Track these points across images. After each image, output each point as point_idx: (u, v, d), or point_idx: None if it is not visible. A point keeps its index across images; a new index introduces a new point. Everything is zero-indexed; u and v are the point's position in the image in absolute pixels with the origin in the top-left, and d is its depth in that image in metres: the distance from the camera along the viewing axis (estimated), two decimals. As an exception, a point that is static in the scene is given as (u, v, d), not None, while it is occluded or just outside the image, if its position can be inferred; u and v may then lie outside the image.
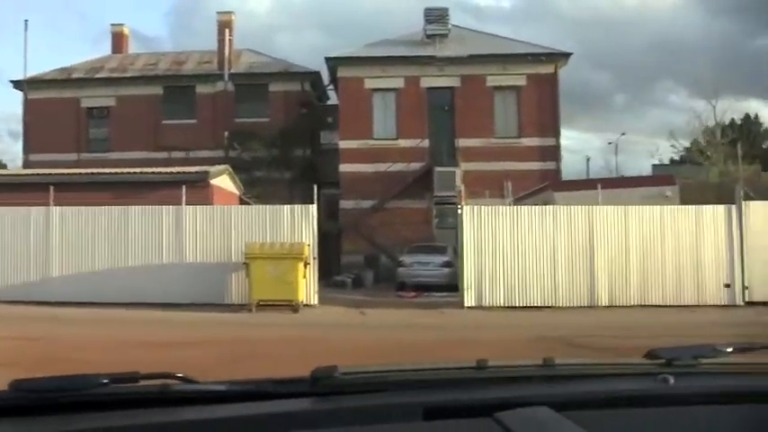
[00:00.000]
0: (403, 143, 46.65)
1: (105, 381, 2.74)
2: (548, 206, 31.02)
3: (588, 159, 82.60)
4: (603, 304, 29.57)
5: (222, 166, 36.34)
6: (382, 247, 44.68)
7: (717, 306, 29.13)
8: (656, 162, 67.99)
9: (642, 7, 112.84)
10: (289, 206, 30.72)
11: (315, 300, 29.86)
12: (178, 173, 33.03)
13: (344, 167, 46.65)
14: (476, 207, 30.62)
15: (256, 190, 45.81)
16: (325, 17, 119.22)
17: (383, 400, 2.76)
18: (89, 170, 35.39)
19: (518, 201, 36.83)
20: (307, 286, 29.37)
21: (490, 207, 31.23)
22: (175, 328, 23.34)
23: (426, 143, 46.73)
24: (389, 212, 45.69)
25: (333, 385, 2.84)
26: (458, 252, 32.78)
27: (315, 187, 31.13)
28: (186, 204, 30.23)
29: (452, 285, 34.39)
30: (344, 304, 30.96)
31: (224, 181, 35.61)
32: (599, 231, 29.92)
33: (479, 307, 29.44)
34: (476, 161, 45.20)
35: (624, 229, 29.96)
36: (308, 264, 29.04)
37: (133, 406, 2.73)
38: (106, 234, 30.69)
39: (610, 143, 77.36)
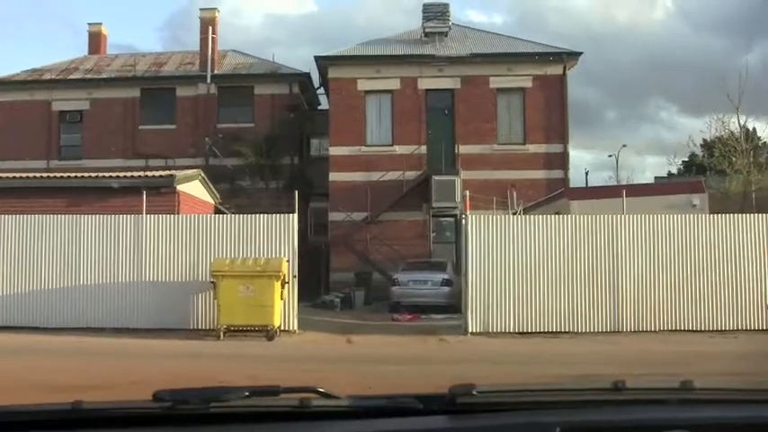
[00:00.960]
0: (398, 150, 42.13)
1: (246, 393, 2.81)
2: (565, 215, 26.32)
3: (587, 172, 78.30)
4: (629, 329, 25.05)
5: (192, 171, 31.67)
6: (375, 263, 40.33)
7: (759, 331, 24.73)
8: (660, 174, 64.19)
9: (632, 24, 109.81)
10: (265, 216, 26.04)
11: (294, 325, 25.26)
12: (139, 177, 28.34)
13: (334, 176, 42.18)
14: (482, 216, 26.20)
15: (238, 201, 41.78)
16: (319, 32, 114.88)
17: (520, 419, 2.73)
18: (35, 174, 30.52)
19: (527, 211, 32.16)
20: (285, 309, 24.86)
21: (499, 216, 26.88)
22: (112, 361, 18.79)
23: (424, 150, 42.23)
24: (383, 225, 41.22)
25: (470, 403, 2.82)
26: (459, 269, 28.94)
27: (296, 193, 26.50)
28: (148, 213, 25.54)
29: (453, 306, 30.43)
30: (330, 329, 26.32)
31: (195, 188, 30.89)
32: (624, 244, 25.39)
33: (486, 333, 24.90)
34: (477, 169, 40.98)
35: (652, 241, 25.41)
36: (287, 283, 24.44)
37: (272, 419, 2.78)
38: (53, 247, 25.83)
39: (610, 155, 73.04)
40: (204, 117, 45.89)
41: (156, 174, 29.09)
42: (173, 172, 28.79)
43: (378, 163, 41.86)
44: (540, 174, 41.70)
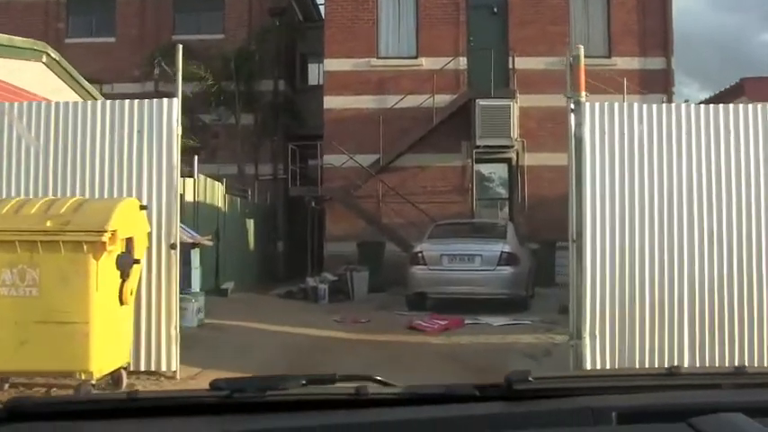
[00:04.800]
0: (426, 63, 27.06)
1: (303, 382, 2.68)
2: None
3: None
4: None
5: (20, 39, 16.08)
6: (389, 228, 25.59)
7: None
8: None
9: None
10: (108, 105, 10.62)
11: (171, 360, 10.02)
12: None
13: (331, 101, 27.24)
14: (617, 105, 10.68)
15: (201, 141, 27.61)
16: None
17: (577, 404, 2.57)
18: None
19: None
20: (144, 322, 9.66)
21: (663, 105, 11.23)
22: None
23: (463, 63, 27.19)
24: (402, 174, 26.66)
25: (527, 390, 2.66)
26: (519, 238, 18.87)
27: (179, 49, 11.26)
28: None
29: (518, 300, 17.34)
30: (266, 361, 11.26)
31: (28, 76, 15.21)
32: None
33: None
34: (541, 92, 26.08)
35: None
36: (137, 262, 9.11)
37: (329, 407, 2.62)
38: None
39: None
40: (154, 26, 31.15)
41: None
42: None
43: (395, 83, 27.07)
44: (631, 100, 26.08)
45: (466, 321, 15.63)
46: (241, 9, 31.15)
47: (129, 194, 9.88)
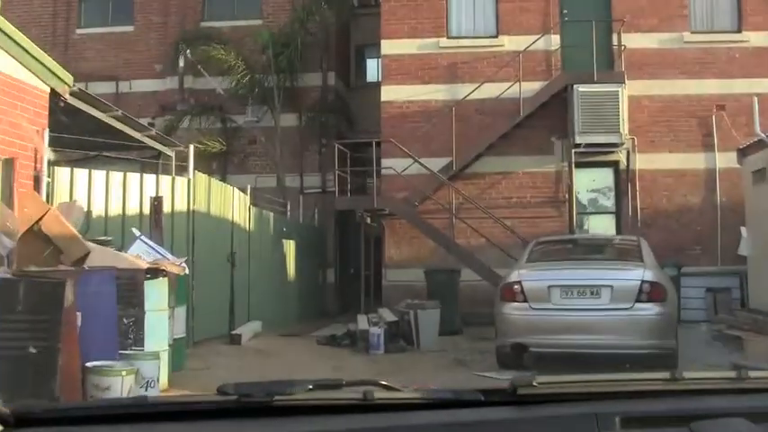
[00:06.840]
0: (508, 44, 21.72)
1: (310, 386, 2.63)
2: None
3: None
4: None
5: None
6: (464, 251, 20.14)
7: None
8: None
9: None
10: None
11: None
12: None
13: (390, 92, 21.96)
14: None
15: (233, 146, 23.38)
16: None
17: (581, 409, 2.52)
18: None
19: None
20: None
21: None
22: None
23: (555, 42, 21.76)
24: (479, 181, 21.59)
25: (532, 394, 2.58)
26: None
27: None
28: None
29: (666, 354, 11.42)
30: None
31: None
32: None
33: None
34: (654, 77, 21.37)
35: None
36: None
37: (336, 412, 2.59)
38: None
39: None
40: (180, 11, 26.25)
41: None
42: None
43: (470, 68, 21.86)
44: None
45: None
46: (282, -12, 25.90)
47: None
